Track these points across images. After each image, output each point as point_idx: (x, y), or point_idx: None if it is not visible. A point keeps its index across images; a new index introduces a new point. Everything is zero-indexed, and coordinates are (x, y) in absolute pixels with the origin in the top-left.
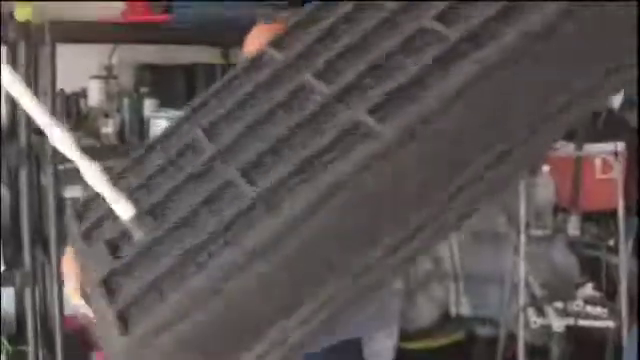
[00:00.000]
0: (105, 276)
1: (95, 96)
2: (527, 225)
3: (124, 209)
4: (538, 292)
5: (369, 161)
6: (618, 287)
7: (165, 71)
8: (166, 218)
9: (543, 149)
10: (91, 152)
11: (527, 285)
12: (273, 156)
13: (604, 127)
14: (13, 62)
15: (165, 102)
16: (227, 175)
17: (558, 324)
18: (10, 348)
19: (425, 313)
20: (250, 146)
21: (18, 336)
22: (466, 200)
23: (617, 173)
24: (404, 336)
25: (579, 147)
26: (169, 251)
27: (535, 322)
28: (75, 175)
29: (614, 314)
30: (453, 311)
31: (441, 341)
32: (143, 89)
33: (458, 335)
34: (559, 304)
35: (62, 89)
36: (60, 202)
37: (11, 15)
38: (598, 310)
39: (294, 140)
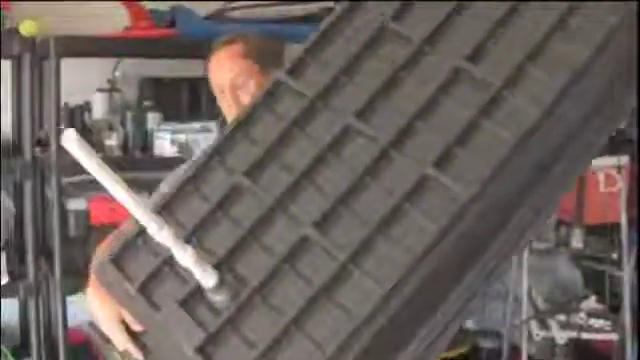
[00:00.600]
0: (199, 346)
1: (99, 109)
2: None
3: (208, 277)
4: (541, 305)
5: (451, 222)
6: (622, 300)
7: (169, 85)
8: (243, 277)
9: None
10: None
11: (530, 298)
12: (343, 209)
13: (608, 141)
14: (18, 77)
15: (169, 116)
16: (299, 229)
17: (561, 336)
18: None
19: None
20: (310, 196)
21: (22, 348)
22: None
23: (621, 186)
24: None
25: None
26: (261, 320)
27: (538, 335)
28: (78, 188)
29: (618, 327)
30: None
31: (445, 354)
32: (147, 103)
33: (462, 348)
34: (562, 317)
35: (66, 102)
36: (64, 214)
37: (16, 30)
38: (601, 323)
39: (360, 194)
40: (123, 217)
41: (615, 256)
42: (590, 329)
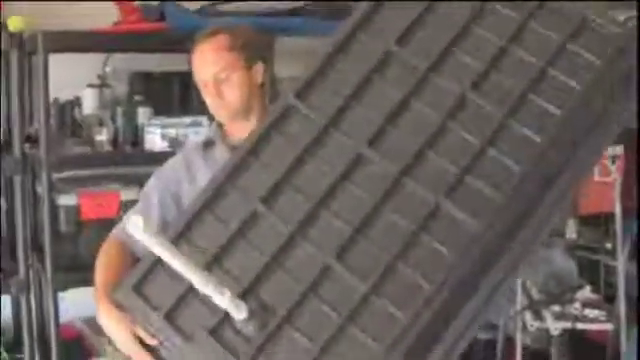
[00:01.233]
0: None
1: (89, 105)
2: None
3: (240, 310)
4: (536, 296)
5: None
6: (616, 290)
7: (159, 79)
8: (269, 305)
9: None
10: (85, 160)
11: (525, 289)
12: (362, 238)
13: None
14: (6, 72)
15: (159, 110)
16: (319, 257)
17: (556, 327)
18: (7, 356)
19: None
20: (329, 224)
21: (15, 344)
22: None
23: (615, 176)
24: None
25: None
26: (292, 348)
27: (532, 325)
28: (68, 184)
29: (613, 317)
30: None
31: None
32: (137, 97)
33: None
34: (557, 307)
35: (56, 98)
36: (54, 210)
37: (4, 25)
38: (596, 313)
39: (378, 222)
40: (112, 212)
41: (609, 246)
42: (585, 319)
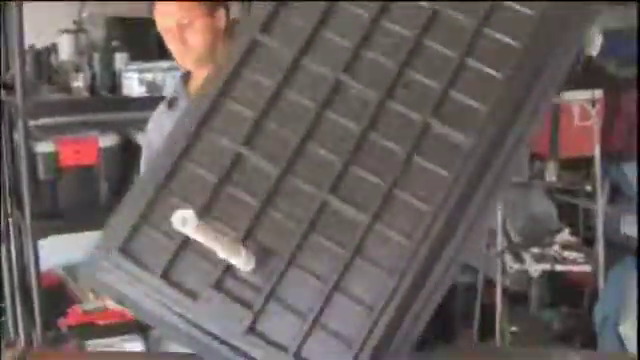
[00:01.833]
0: (249, 325)
1: (66, 51)
2: None
3: (245, 262)
4: (515, 238)
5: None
6: (595, 232)
7: (136, 24)
8: (270, 248)
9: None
10: (62, 106)
11: (505, 232)
12: (354, 168)
13: (582, 75)
14: None
15: (136, 55)
16: (314, 194)
17: (535, 269)
18: None
19: None
20: (318, 157)
21: None
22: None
23: (594, 120)
24: None
25: (557, 94)
26: (302, 288)
27: (512, 267)
28: (46, 131)
29: (591, 259)
30: None
31: None
32: (114, 43)
33: None
34: (536, 249)
35: (32, 45)
36: (32, 158)
37: None
38: (575, 255)
39: (368, 149)
40: (91, 159)
41: (589, 188)
42: (564, 261)
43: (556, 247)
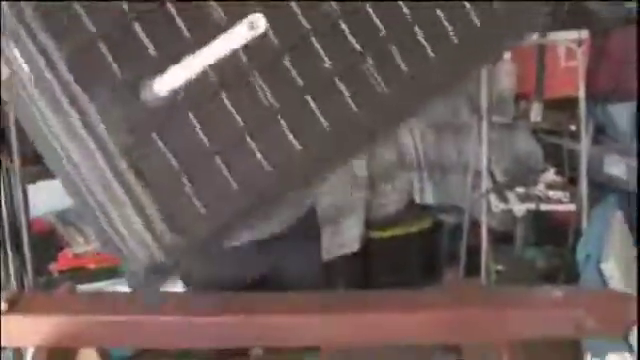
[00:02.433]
0: None
1: None
2: (489, 112)
3: None
4: (500, 178)
5: None
6: (579, 172)
7: None
8: None
9: None
10: None
11: (490, 172)
12: None
13: (568, 15)
14: None
15: None
16: None
17: (519, 208)
18: None
19: (391, 202)
20: None
21: None
22: None
23: (580, 61)
24: (370, 225)
25: (543, 35)
26: None
27: (497, 207)
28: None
29: (575, 198)
30: (418, 200)
31: (407, 229)
32: None
33: (424, 223)
34: (521, 189)
35: None
36: None
37: None
38: (560, 194)
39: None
40: None
41: (573, 129)
42: (549, 201)
43: (541, 187)
